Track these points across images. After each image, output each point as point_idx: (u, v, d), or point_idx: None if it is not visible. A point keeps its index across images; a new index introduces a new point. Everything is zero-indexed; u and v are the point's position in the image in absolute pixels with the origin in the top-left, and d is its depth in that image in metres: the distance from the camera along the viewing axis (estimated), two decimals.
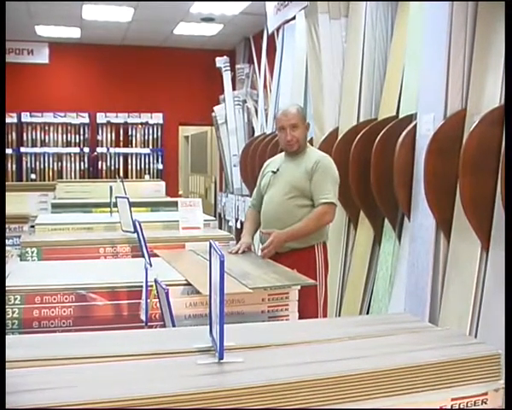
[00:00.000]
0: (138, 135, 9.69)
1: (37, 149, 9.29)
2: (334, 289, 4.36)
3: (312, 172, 3.36)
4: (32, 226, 4.24)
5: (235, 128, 7.88)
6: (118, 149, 9.59)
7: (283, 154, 3.60)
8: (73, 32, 8.74)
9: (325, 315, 3.43)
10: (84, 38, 9.01)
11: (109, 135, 9.61)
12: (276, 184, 3.49)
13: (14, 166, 9.15)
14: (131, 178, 9.43)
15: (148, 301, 2.32)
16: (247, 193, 7.40)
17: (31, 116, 9.24)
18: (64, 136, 9.41)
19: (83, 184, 6.62)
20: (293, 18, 5.85)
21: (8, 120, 8.99)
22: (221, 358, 1.51)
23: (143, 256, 2.51)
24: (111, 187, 4.41)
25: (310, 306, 3.12)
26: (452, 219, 3.42)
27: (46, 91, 9.36)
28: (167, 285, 2.00)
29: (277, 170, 3.52)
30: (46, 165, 9.31)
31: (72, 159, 9.43)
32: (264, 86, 7.37)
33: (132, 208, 3.49)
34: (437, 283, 3.52)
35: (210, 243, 1.56)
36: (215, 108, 8.31)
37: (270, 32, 6.64)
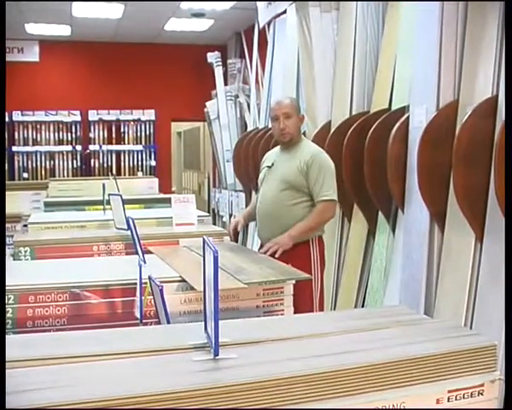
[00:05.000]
0: (130, 132, 9.66)
1: (29, 148, 9.25)
2: (329, 283, 4.36)
3: (308, 169, 3.35)
4: (25, 225, 4.22)
5: (228, 123, 7.86)
6: (110, 147, 9.56)
7: (279, 147, 3.59)
8: (64, 30, 8.70)
9: (321, 310, 3.43)
10: (74, 35, 8.97)
11: (101, 132, 9.58)
12: (270, 180, 3.48)
13: (6, 166, 9.11)
14: (124, 175, 9.40)
15: (143, 298, 2.31)
16: (241, 188, 7.39)
17: (22, 115, 9.20)
18: (56, 134, 9.37)
19: (75, 182, 6.60)
20: (284, 12, 5.84)
21: None
22: (216, 354, 1.51)
23: (137, 253, 2.50)
24: (104, 185, 4.39)
25: (305, 301, 3.12)
26: (446, 210, 3.43)
27: (37, 90, 9.31)
28: (161, 282, 1.99)
29: (272, 164, 3.52)
30: (38, 163, 9.28)
31: (65, 157, 9.40)
32: (256, 81, 7.36)
33: (125, 206, 3.47)
34: (432, 274, 3.52)
35: (203, 239, 1.56)
36: (207, 103, 8.29)
37: (261, 26, 6.63)
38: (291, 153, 3.46)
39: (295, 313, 2.50)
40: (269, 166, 3.53)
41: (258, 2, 6.32)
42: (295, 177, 3.38)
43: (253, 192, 6.78)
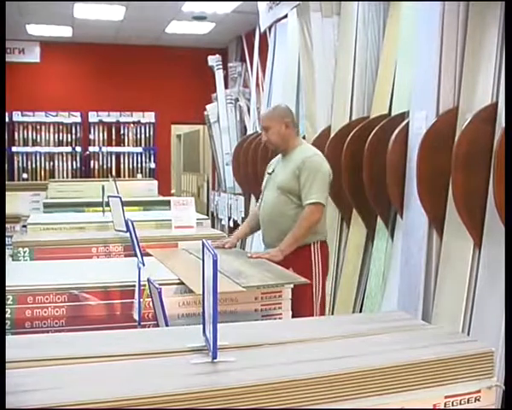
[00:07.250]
0: (130, 134, 9.66)
1: (29, 149, 9.25)
2: (327, 287, 4.35)
3: (300, 172, 3.30)
4: (24, 226, 4.23)
5: (228, 127, 7.87)
6: (110, 148, 9.56)
7: (280, 155, 3.59)
8: (65, 31, 8.71)
9: (322, 315, 3.39)
10: (75, 36, 8.98)
11: (101, 134, 9.58)
12: (270, 187, 3.48)
13: (5, 166, 9.10)
14: (124, 177, 9.40)
15: (141, 300, 2.32)
16: (240, 191, 7.40)
17: (22, 115, 9.21)
18: (56, 135, 9.38)
19: (75, 184, 6.62)
20: (286, 16, 5.84)
21: None
22: (215, 357, 1.51)
23: (136, 255, 2.50)
24: (103, 186, 4.40)
25: (305, 306, 3.08)
26: (445, 216, 3.43)
27: (37, 90, 9.32)
28: (160, 284, 2.00)
29: (273, 171, 3.52)
30: (38, 164, 9.28)
31: (64, 158, 9.40)
32: (257, 84, 7.37)
33: (125, 208, 3.48)
34: (430, 280, 3.52)
35: (203, 242, 1.56)
36: (207, 106, 8.30)
37: (262, 30, 6.64)
38: (287, 159, 3.45)
39: (295, 317, 2.50)
40: (269, 173, 3.54)
41: (259, 6, 6.32)
42: (289, 182, 3.34)
43: (254, 199, 6.79)
